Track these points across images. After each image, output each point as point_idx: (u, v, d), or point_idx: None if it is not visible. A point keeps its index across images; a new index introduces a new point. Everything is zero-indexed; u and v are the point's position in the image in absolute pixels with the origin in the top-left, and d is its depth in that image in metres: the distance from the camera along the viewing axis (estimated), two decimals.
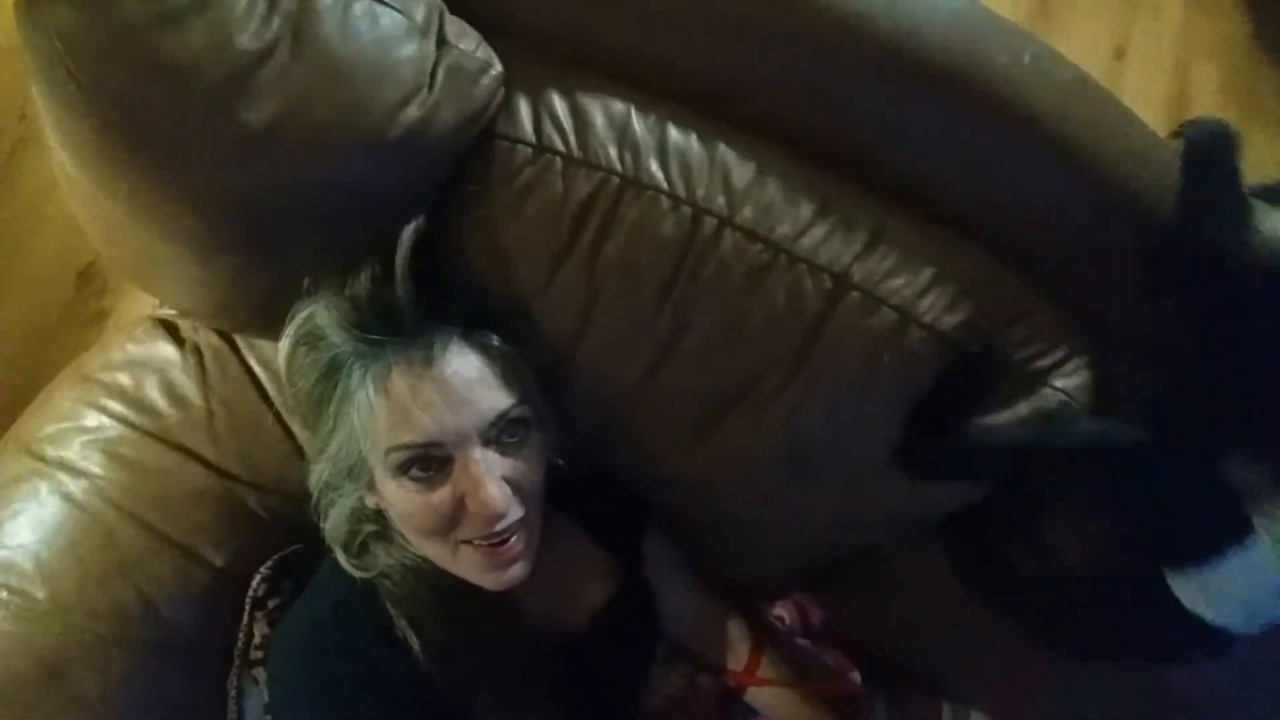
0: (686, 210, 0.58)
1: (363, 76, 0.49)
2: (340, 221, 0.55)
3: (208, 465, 0.70)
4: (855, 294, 0.61)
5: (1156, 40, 1.69)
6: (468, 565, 0.62)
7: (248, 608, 0.72)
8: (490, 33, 0.59)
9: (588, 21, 0.59)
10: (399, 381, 0.57)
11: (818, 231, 0.60)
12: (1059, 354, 0.66)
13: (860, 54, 0.57)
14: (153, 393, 0.70)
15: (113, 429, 0.68)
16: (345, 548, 0.64)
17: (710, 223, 0.59)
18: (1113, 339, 0.65)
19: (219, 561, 0.71)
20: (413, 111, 0.51)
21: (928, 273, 0.62)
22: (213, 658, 0.71)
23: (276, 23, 0.47)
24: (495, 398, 0.59)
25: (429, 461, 0.58)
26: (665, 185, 0.58)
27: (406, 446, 0.57)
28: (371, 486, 0.61)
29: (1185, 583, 0.65)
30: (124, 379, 0.70)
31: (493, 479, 0.58)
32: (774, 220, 0.60)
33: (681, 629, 0.82)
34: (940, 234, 0.64)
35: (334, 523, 0.63)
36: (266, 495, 0.74)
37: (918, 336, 0.62)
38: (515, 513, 0.60)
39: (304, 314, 0.59)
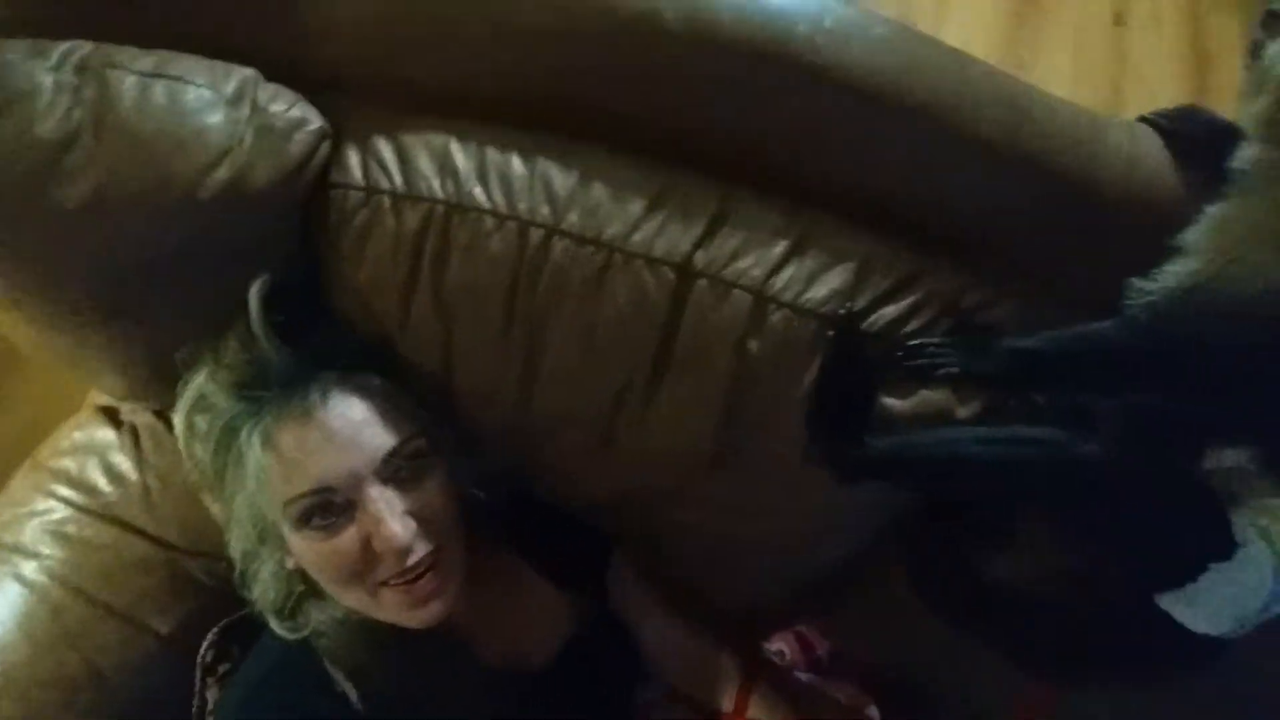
0: (512, 225, 0.59)
1: (166, 147, 0.53)
2: (192, 282, 0.59)
3: (146, 537, 0.74)
4: (702, 282, 0.59)
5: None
6: (389, 607, 0.61)
7: (198, 674, 0.74)
8: (322, 90, 0.63)
9: (405, 66, 0.62)
10: (284, 435, 0.58)
11: (651, 225, 0.59)
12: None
13: (656, 45, 0.57)
14: (94, 474, 0.75)
15: (59, 511, 0.73)
16: (278, 613, 0.64)
17: (537, 234, 0.59)
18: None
19: (164, 629, 0.73)
20: (223, 173, 0.55)
21: (779, 248, 0.59)
22: None
23: (78, 112, 0.52)
24: (383, 436, 0.60)
25: (328, 508, 0.58)
26: (488, 204, 0.59)
27: (301, 496, 0.58)
28: (285, 549, 0.62)
29: (1172, 596, 0.57)
30: (69, 463, 0.75)
31: (394, 515, 0.58)
32: (602, 221, 0.59)
33: (665, 669, 0.78)
34: (797, 210, 0.61)
35: (261, 590, 0.64)
36: (208, 562, 0.76)
37: (779, 317, 0.59)
38: (423, 546, 0.59)
39: (190, 387, 0.61)
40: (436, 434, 0.63)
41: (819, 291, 0.59)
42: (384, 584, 0.60)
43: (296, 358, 0.60)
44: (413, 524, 0.59)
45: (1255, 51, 0.52)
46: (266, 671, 0.64)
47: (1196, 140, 0.60)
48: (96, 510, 0.74)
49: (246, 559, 0.64)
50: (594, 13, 0.56)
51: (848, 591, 0.81)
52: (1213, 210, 0.51)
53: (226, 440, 0.60)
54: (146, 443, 0.77)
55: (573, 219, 0.59)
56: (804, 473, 0.63)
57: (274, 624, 0.64)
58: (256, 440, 0.58)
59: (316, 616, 0.63)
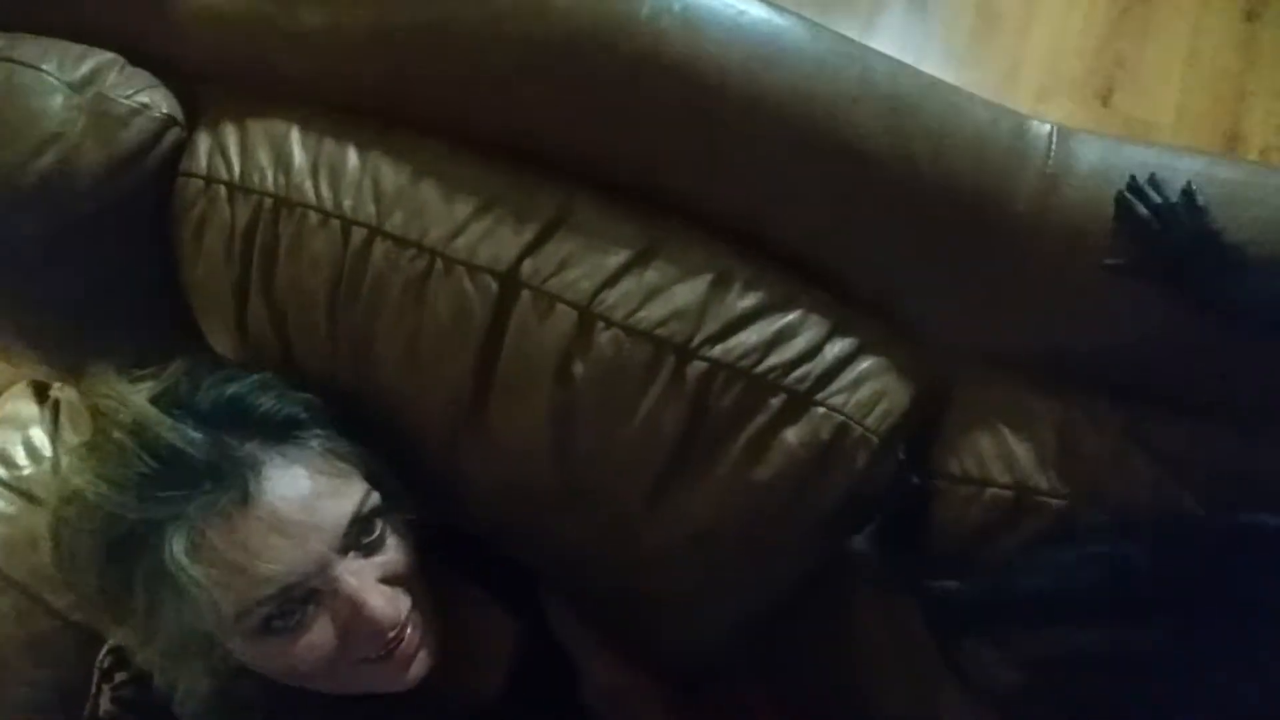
0: (335, 223, 0.54)
1: None
2: (55, 258, 0.58)
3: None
4: (526, 293, 0.52)
5: None
6: (371, 682, 0.54)
7: (95, 678, 0.75)
8: (200, 80, 0.61)
9: (266, 54, 0.59)
10: (217, 539, 0.48)
11: (478, 228, 0.53)
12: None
13: (502, 45, 0.51)
14: (12, 447, 0.77)
15: None
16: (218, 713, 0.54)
17: (360, 233, 0.54)
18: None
19: (59, 604, 0.75)
20: (48, 158, 0.54)
21: (618, 259, 0.52)
22: (57, 709, 0.75)
23: None
24: (339, 505, 0.51)
25: (290, 607, 0.49)
26: (314, 200, 0.55)
27: (257, 605, 0.48)
28: (224, 659, 0.52)
29: None
30: None
31: (371, 590, 0.51)
32: (427, 223, 0.53)
33: (596, 702, 0.73)
34: (650, 219, 0.53)
35: (185, 696, 0.53)
36: None
37: (608, 337, 0.52)
38: (404, 607, 0.53)
39: (58, 495, 0.51)
40: (379, 476, 0.55)
41: (657, 310, 0.51)
42: (364, 660, 0.53)
43: (212, 439, 0.49)
44: (389, 591, 0.52)
45: None
46: None
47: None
48: (9, 481, 0.76)
49: (167, 670, 0.54)
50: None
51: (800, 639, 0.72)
52: None
53: (125, 556, 0.49)
54: (65, 419, 0.79)
55: (396, 219, 0.54)
56: (666, 518, 0.55)
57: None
58: (179, 552, 0.47)
59: (263, 701, 0.54)
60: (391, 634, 0.51)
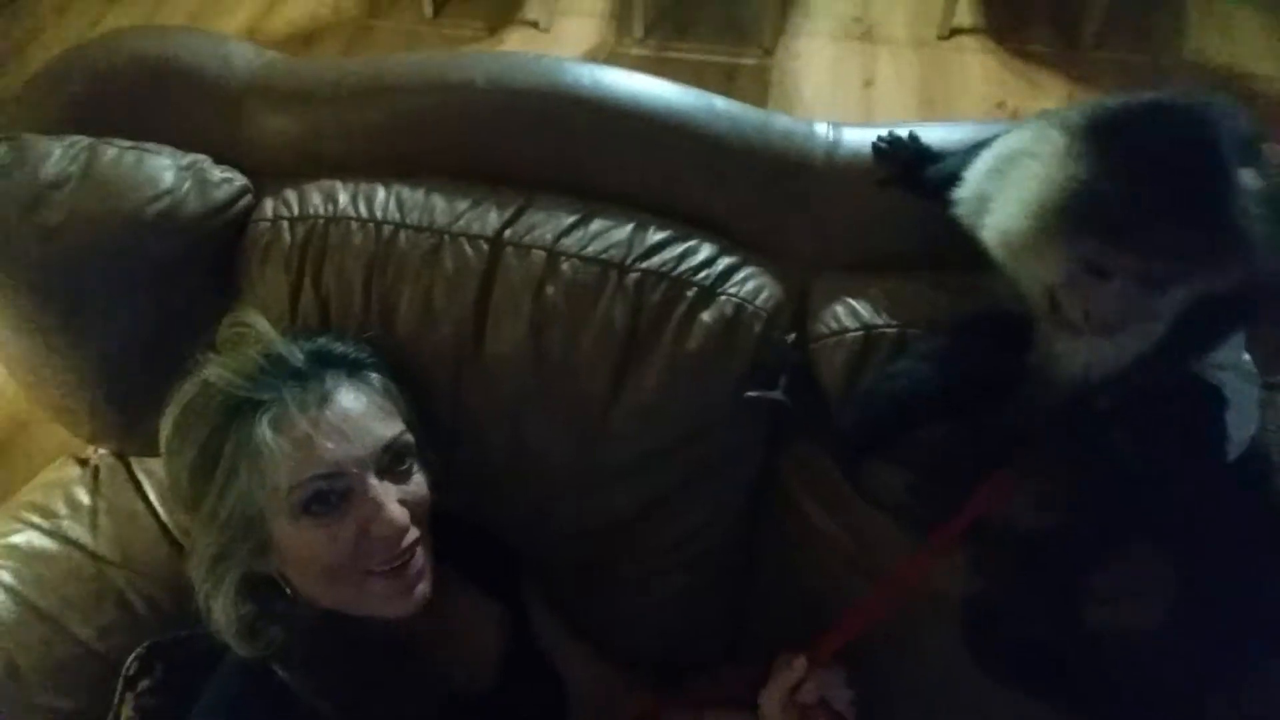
0: (370, 226, 0.78)
1: (124, 187, 0.76)
2: (139, 293, 0.78)
3: (83, 549, 0.85)
4: (509, 249, 0.76)
5: None
6: (376, 596, 0.65)
7: (120, 686, 0.80)
8: (257, 175, 0.87)
9: (315, 145, 0.85)
10: (298, 421, 0.62)
11: (472, 214, 0.78)
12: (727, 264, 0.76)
13: (479, 112, 0.81)
14: (55, 502, 0.88)
15: (21, 531, 0.85)
16: (240, 633, 0.64)
17: (388, 229, 0.78)
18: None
19: (83, 634, 0.81)
20: (162, 203, 0.77)
21: (569, 220, 0.77)
22: None
23: (71, 166, 0.76)
24: (382, 429, 0.66)
25: (328, 496, 0.62)
26: (354, 214, 0.79)
27: (308, 480, 0.62)
28: (264, 549, 0.64)
29: None
30: (39, 496, 0.89)
31: (391, 500, 0.63)
32: (435, 216, 0.78)
33: (574, 696, 0.80)
34: (588, 202, 0.80)
35: (222, 609, 0.65)
36: (138, 579, 0.86)
37: (568, 265, 0.75)
38: (413, 532, 0.65)
39: (190, 383, 0.66)
40: (414, 423, 0.70)
41: (599, 245, 0.75)
42: (370, 573, 0.64)
43: (307, 354, 0.67)
44: (405, 511, 0.64)
45: None
46: (229, 700, 0.66)
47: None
48: (48, 529, 0.86)
49: (214, 567, 0.65)
50: (427, 86, 0.82)
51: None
52: None
53: (227, 424, 0.63)
54: (104, 475, 0.92)
55: (414, 216, 0.78)
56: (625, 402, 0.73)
57: (235, 644, 0.65)
58: (268, 427, 0.62)
59: (280, 636, 0.65)
60: (402, 546, 0.64)
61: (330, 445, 0.62)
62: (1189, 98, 0.52)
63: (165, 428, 0.66)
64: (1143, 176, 0.49)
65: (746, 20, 2.24)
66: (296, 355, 0.67)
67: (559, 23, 2.26)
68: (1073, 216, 0.51)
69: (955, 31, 2.18)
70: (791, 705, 0.70)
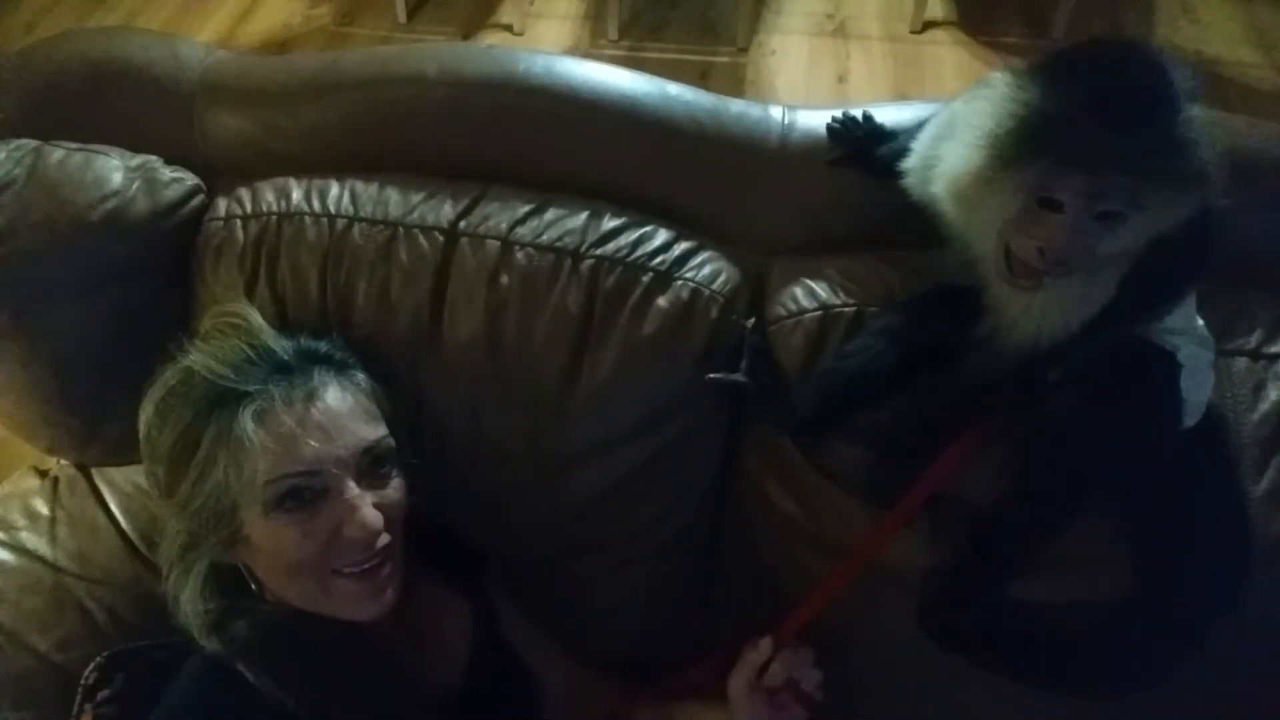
0: (324, 220, 0.77)
1: (71, 189, 0.75)
2: (91, 297, 0.76)
3: (41, 560, 0.83)
4: (464, 239, 0.75)
5: None
6: (342, 597, 0.64)
7: (79, 696, 0.78)
8: (209, 174, 0.85)
9: (266, 144, 0.84)
10: (283, 415, 0.62)
11: (427, 206, 0.77)
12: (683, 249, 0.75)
13: (430, 107, 0.80)
14: (14, 513, 0.86)
15: None
16: (203, 628, 0.64)
17: (342, 222, 0.77)
18: None
19: (41, 646, 0.79)
20: (110, 204, 0.76)
21: (523, 210, 0.76)
22: None
23: (16, 170, 0.75)
24: (367, 429, 0.65)
25: (303, 493, 0.62)
26: (308, 209, 0.78)
27: (287, 476, 0.61)
28: (234, 540, 0.63)
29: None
30: None
31: (365, 503, 0.62)
32: (389, 208, 0.77)
33: (545, 694, 0.79)
34: (543, 191, 0.79)
35: (189, 600, 0.65)
36: (98, 589, 0.84)
37: (522, 255, 0.74)
38: (385, 537, 0.64)
39: (173, 369, 0.65)
40: (396, 429, 0.69)
41: (554, 233, 0.75)
42: (338, 573, 0.63)
43: (296, 349, 0.67)
44: (380, 515, 0.63)
45: None
46: (192, 697, 0.64)
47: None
48: (4, 540, 0.85)
49: (183, 556, 0.65)
50: (379, 80, 0.81)
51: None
52: None
53: (208, 412, 0.62)
54: (63, 487, 0.90)
55: (368, 210, 0.77)
56: (579, 390, 0.72)
57: (201, 638, 0.64)
58: (250, 419, 0.61)
59: (244, 632, 0.64)
60: (374, 549, 0.63)
61: (313, 443, 0.62)
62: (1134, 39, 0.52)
63: (145, 410, 0.65)
64: (1090, 95, 0.49)
65: (720, 19, 2.24)
66: (286, 349, 0.66)
67: (533, 26, 2.26)
68: (1022, 139, 0.51)
69: (928, 25, 2.20)
70: (759, 688, 0.69)
